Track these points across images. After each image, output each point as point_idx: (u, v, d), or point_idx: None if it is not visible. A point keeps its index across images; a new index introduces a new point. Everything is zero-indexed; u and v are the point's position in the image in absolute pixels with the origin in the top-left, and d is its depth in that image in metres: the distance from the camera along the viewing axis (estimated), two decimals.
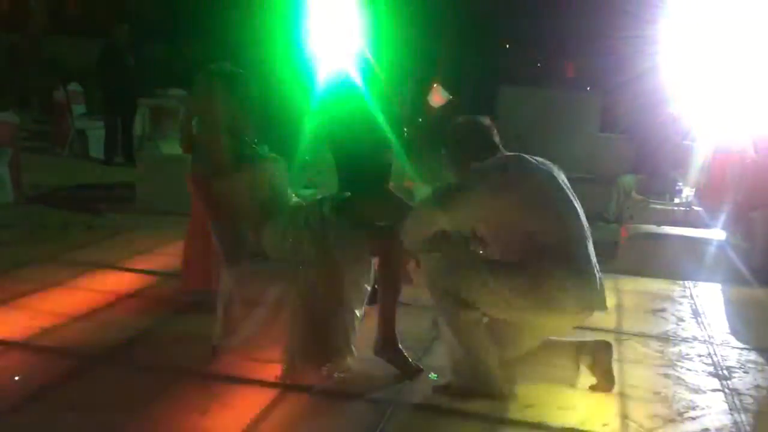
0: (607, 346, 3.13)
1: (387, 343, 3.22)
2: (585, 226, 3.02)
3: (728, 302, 4.71)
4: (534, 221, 2.93)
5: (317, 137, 4.23)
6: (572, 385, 3.13)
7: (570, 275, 2.88)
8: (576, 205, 3.03)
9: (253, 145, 3.34)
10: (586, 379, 3.14)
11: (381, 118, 3.86)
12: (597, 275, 2.97)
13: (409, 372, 3.21)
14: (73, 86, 10.41)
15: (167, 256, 4.98)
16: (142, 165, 7.23)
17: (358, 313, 3.12)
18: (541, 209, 2.96)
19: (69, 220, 6.03)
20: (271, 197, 3.29)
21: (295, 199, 3.44)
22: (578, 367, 3.12)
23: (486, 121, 3.23)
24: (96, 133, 9.72)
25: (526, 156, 3.08)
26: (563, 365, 3.13)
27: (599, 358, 3.11)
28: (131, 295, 4.25)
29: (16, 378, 3.07)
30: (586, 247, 2.97)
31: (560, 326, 3.11)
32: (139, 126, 9.97)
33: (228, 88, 3.27)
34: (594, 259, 2.99)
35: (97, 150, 9.63)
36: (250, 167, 3.24)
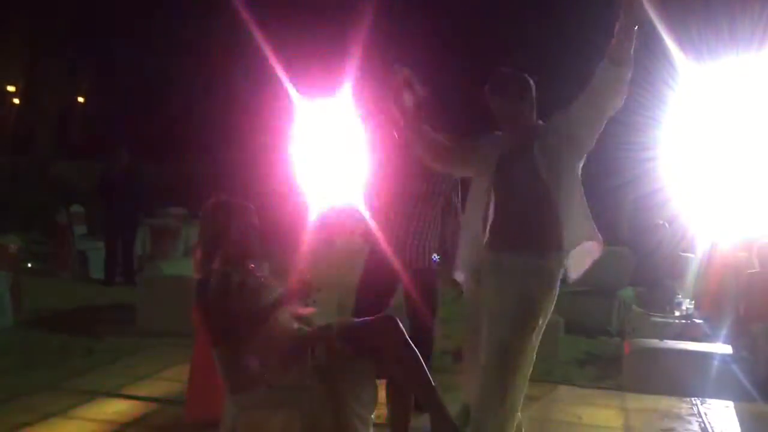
0: None
1: None
2: None
3: (738, 420, 4.62)
4: None
5: None
6: None
7: None
8: None
9: (257, 273, 3.37)
10: None
11: None
12: None
13: None
14: (75, 208, 10.58)
15: (169, 381, 4.93)
16: (143, 286, 7.22)
17: None
18: None
19: (68, 344, 5.97)
20: (273, 325, 3.29)
21: (296, 324, 3.44)
22: None
23: None
24: (97, 254, 9.77)
25: None
26: None
27: None
28: (132, 425, 4.17)
29: None
30: None
31: None
32: (139, 245, 10.03)
33: (229, 220, 3.33)
34: None
35: (98, 271, 9.65)
36: (254, 296, 3.27)
